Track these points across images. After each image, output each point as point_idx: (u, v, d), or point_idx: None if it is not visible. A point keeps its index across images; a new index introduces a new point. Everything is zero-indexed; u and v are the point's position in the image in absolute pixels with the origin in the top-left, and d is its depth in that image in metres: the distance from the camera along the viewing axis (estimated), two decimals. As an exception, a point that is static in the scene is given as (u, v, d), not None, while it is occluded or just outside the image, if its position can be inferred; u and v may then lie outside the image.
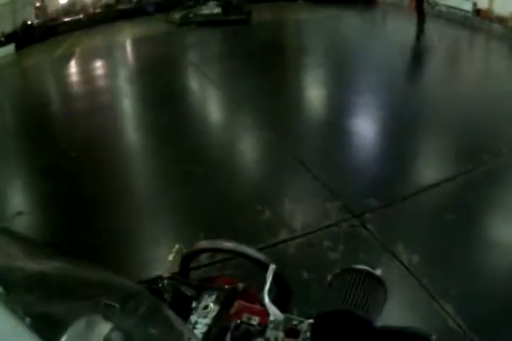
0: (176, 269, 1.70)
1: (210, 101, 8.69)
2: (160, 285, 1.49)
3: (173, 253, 2.80)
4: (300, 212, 4.55)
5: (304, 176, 5.12)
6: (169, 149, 6.13)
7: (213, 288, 1.43)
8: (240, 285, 1.47)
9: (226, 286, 1.46)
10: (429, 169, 5.33)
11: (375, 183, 4.87)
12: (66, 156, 6.32)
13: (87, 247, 3.84)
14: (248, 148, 6.53)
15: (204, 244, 1.66)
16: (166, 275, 1.58)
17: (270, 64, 9.47)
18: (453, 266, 3.57)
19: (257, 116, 7.09)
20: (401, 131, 6.05)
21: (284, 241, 4.06)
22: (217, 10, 15.55)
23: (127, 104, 8.64)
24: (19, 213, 4.95)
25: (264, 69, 9.11)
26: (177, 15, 16.55)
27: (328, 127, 6.67)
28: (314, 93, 8.55)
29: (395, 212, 4.42)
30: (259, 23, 14.46)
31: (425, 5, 11.30)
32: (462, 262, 3.65)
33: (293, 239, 4.09)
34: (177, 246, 2.79)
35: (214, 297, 1.40)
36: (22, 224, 4.79)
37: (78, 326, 0.92)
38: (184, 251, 1.82)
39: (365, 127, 6.54)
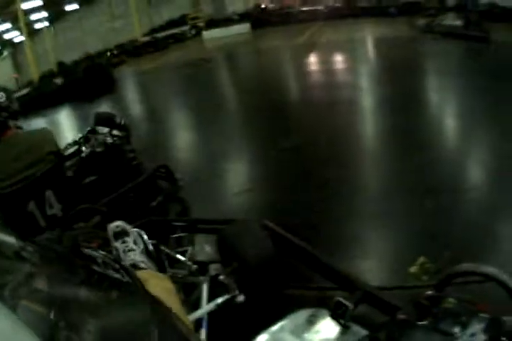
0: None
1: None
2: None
3: (417, 266, 2.63)
4: None
5: None
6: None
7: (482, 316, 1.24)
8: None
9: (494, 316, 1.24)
10: None
11: None
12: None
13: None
14: None
15: (467, 267, 1.62)
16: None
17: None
18: None
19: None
20: None
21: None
22: (457, 22, 14.60)
23: (368, 101, 8.24)
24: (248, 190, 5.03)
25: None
26: (421, 22, 16.01)
27: None
28: None
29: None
30: (500, 43, 13.02)
31: None
32: None
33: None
34: (421, 258, 2.60)
35: (484, 326, 1.22)
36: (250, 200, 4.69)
37: None
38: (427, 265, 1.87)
39: None
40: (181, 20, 34.76)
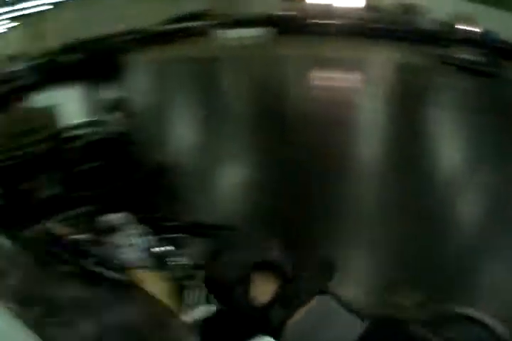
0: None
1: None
2: None
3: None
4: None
5: None
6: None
7: None
8: None
9: None
10: None
11: None
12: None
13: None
14: None
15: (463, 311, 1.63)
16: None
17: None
18: None
19: None
20: None
21: None
22: (473, 57, 14.80)
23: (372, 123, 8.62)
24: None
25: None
26: (439, 52, 16.12)
27: None
28: None
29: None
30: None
31: None
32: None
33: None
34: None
35: None
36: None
37: None
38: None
39: None
40: (202, 15, 33.38)
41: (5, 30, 33.48)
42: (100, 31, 31.70)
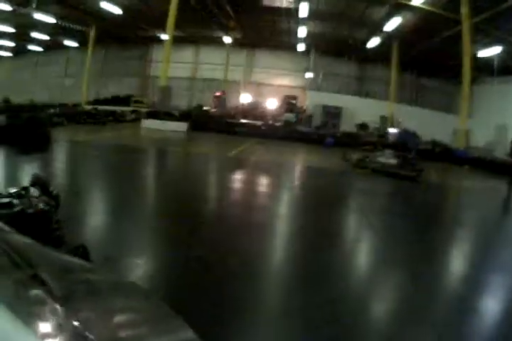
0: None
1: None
2: None
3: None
4: None
5: None
6: None
7: None
8: None
9: None
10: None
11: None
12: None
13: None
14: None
15: None
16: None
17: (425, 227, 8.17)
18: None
19: None
20: None
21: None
22: (392, 160, 14.90)
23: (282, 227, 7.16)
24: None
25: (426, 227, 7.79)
26: (354, 156, 16.10)
27: None
28: None
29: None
30: (426, 184, 13.76)
31: None
32: None
33: None
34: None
35: None
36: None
37: None
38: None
39: None
40: (126, 100, 36.14)
41: None
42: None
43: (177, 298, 3.94)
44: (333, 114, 32.25)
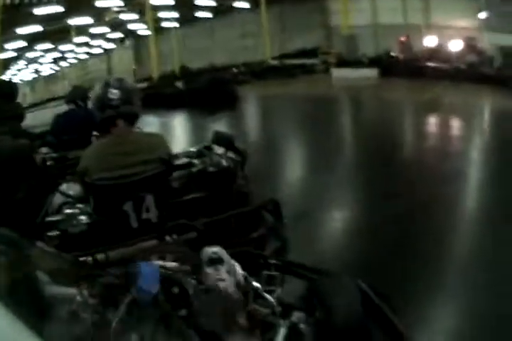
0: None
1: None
2: None
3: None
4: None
5: None
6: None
7: None
8: None
9: None
10: None
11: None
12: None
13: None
14: None
15: None
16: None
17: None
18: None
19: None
20: None
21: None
22: None
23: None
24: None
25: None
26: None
27: None
28: None
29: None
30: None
31: None
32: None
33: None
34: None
35: None
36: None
37: None
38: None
39: None
40: (313, 52, 35.60)
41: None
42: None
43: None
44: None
